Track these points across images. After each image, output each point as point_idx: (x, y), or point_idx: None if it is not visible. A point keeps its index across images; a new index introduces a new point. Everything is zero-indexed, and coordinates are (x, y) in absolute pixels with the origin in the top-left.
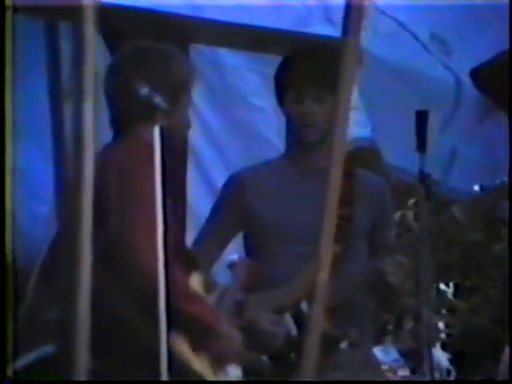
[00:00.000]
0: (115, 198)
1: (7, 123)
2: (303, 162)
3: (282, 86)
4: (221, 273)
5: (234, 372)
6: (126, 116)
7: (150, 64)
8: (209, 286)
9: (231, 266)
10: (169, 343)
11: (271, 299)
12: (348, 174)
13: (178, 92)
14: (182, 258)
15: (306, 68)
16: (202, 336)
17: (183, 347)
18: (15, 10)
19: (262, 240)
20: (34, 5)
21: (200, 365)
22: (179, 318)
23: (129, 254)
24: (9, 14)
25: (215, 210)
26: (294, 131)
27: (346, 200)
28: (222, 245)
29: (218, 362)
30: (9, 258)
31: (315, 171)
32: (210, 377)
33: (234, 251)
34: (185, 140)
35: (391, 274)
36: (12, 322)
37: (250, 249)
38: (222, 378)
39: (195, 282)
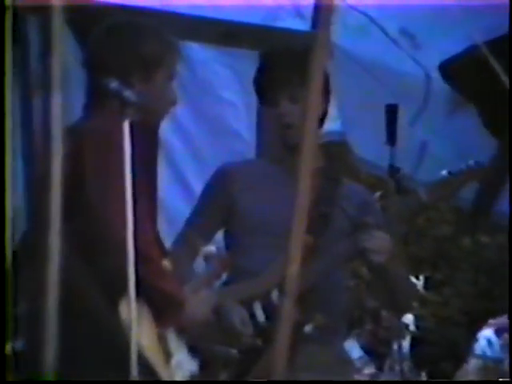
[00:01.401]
0: (90, 170)
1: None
2: (284, 161)
3: (260, 88)
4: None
5: (191, 365)
6: (96, 106)
7: (120, 39)
8: (190, 277)
9: (207, 257)
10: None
11: (241, 289)
12: (333, 179)
13: (151, 67)
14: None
15: (279, 69)
16: (168, 309)
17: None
18: None
19: (241, 233)
20: None
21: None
22: (149, 293)
23: (103, 226)
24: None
25: (201, 202)
26: (273, 133)
27: (326, 200)
28: (207, 236)
29: (183, 334)
30: None
31: (296, 169)
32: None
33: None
34: (162, 117)
35: (373, 250)
36: None
37: (228, 241)
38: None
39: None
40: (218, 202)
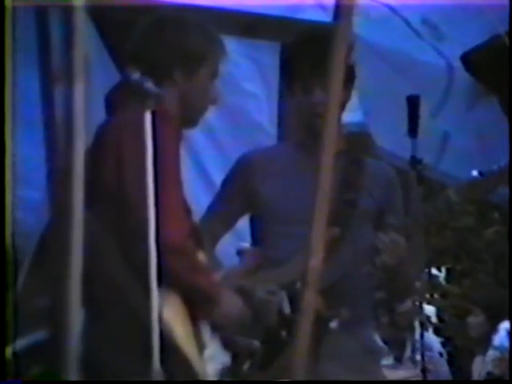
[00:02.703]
0: (111, 170)
1: (6, 113)
2: (312, 149)
3: (289, 76)
4: (223, 253)
5: (224, 357)
6: (119, 100)
7: (163, 33)
8: (212, 264)
9: (240, 253)
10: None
11: (268, 277)
12: (354, 161)
13: (195, 63)
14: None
15: (313, 57)
16: (201, 303)
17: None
18: None
19: (267, 222)
20: None
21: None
22: (183, 286)
23: (135, 215)
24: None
25: (223, 189)
26: (303, 121)
27: (351, 185)
28: (228, 224)
29: (217, 329)
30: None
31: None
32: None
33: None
34: (202, 114)
35: (385, 252)
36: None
37: (255, 231)
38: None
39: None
40: (238, 190)
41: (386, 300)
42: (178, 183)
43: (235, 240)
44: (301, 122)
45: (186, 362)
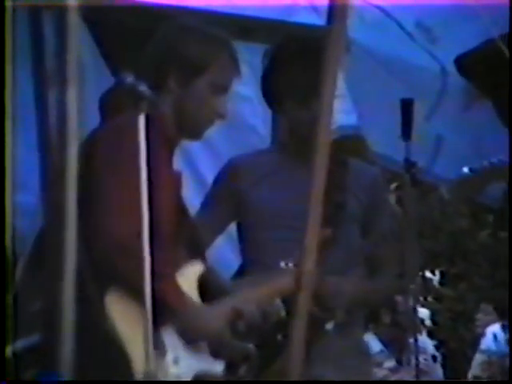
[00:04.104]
0: (102, 166)
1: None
2: (299, 154)
3: (278, 87)
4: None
5: (218, 366)
6: (112, 103)
7: (164, 38)
8: (209, 273)
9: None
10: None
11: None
12: (339, 163)
13: (191, 72)
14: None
15: (305, 68)
16: (156, 309)
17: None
18: None
19: (254, 226)
20: None
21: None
22: (132, 289)
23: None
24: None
25: (210, 196)
26: (294, 131)
27: (338, 187)
28: (216, 231)
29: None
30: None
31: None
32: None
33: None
34: (204, 127)
35: (373, 260)
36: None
37: (242, 234)
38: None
39: (188, 271)
40: (225, 197)
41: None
42: (138, 183)
43: (230, 246)
44: (293, 133)
45: (126, 361)
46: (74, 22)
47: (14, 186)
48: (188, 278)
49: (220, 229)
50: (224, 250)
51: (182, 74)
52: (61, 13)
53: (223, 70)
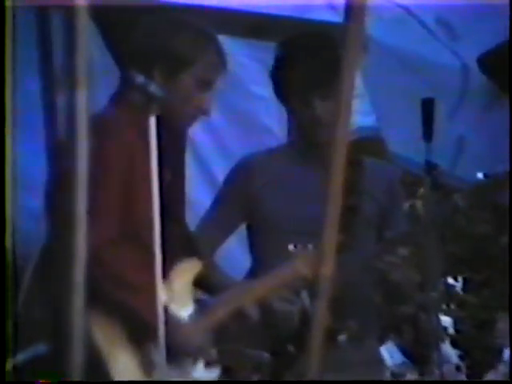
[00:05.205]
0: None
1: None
2: (310, 156)
3: (285, 86)
4: (222, 259)
5: (213, 372)
6: (122, 102)
7: (149, 31)
8: (209, 271)
9: None
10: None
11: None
12: (355, 163)
13: (176, 65)
14: (182, 241)
15: (309, 66)
16: (134, 324)
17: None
18: None
19: (265, 230)
20: None
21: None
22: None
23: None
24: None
25: (220, 196)
26: (301, 130)
27: (353, 189)
28: (226, 232)
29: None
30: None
31: (322, 163)
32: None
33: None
34: (187, 122)
35: (393, 270)
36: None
37: (252, 238)
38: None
39: (184, 269)
40: (236, 198)
41: (412, 316)
42: (115, 186)
43: (241, 248)
44: (297, 130)
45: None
46: (83, 20)
47: (22, 190)
48: (183, 275)
49: (230, 229)
50: (235, 252)
51: (168, 67)
52: (69, 12)
53: (210, 65)
